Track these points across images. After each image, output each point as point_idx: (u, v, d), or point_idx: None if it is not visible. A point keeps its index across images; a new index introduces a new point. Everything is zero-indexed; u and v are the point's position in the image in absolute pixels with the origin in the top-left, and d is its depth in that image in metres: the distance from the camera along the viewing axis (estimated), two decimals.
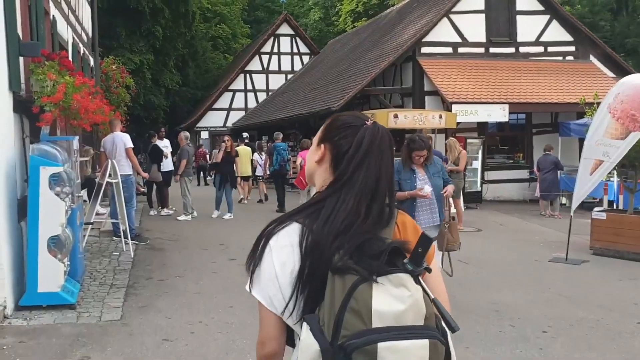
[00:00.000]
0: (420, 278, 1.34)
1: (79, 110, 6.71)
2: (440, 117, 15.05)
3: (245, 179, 16.58)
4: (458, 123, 15.83)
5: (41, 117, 6.26)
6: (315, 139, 1.60)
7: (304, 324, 1.32)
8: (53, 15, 9.41)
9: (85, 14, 15.12)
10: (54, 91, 6.28)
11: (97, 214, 9.92)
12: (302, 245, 1.39)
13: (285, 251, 1.41)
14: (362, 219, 1.41)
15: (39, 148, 5.90)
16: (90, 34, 15.73)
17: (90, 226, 9.00)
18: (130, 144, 9.92)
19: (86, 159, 7.07)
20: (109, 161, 9.07)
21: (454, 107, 16.23)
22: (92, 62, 15.52)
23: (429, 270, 1.39)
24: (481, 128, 17.81)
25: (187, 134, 13.94)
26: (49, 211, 5.76)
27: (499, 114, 16.81)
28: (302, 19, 45.14)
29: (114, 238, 9.71)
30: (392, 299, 1.26)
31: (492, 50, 18.66)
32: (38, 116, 6.34)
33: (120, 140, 9.86)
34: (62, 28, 10.62)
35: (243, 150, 15.94)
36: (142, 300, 6.41)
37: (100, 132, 12.59)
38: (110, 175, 9.06)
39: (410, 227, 1.55)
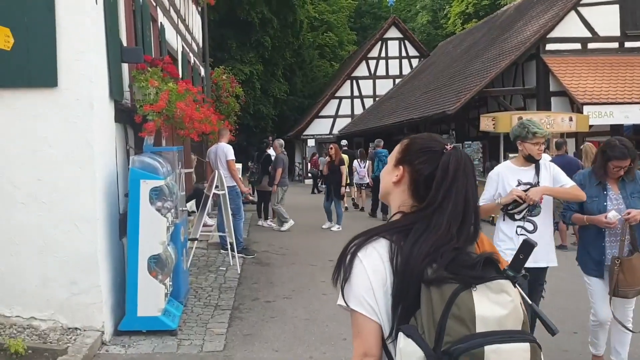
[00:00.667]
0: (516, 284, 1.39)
1: (183, 118, 6.26)
2: (571, 119, 13.50)
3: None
4: (590, 126, 14.16)
5: (144, 127, 5.86)
6: (392, 160, 1.64)
7: (401, 333, 1.36)
8: (161, 23, 9.21)
9: (196, 24, 15.14)
10: (157, 99, 5.86)
11: (204, 225, 9.62)
12: (393, 262, 1.43)
13: (376, 264, 1.45)
14: (453, 241, 1.43)
15: (140, 160, 5.48)
16: (200, 44, 15.77)
17: (196, 242, 8.63)
18: (231, 156, 9.47)
19: (190, 170, 6.56)
20: (215, 172, 8.67)
21: (586, 108, 14.60)
22: (202, 72, 15.53)
23: (525, 277, 1.41)
24: (615, 131, 15.91)
25: (282, 141, 13.38)
26: (150, 228, 5.31)
27: (638, 115, 14.91)
28: (410, 23, 44.05)
29: (221, 251, 9.32)
30: (493, 304, 1.32)
31: (628, 44, 16.70)
32: (141, 126, 5.94)
33: (222, 151, 9.47)
34: (171, 36, 10.46)
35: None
36: (247, 327, 5.80)
37: (210, 142, 12.37)
38: (217, 187, 8.67)
39: (486, 242, 1.62)
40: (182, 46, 11.98)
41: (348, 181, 14.75)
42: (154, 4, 8.86)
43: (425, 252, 1.40)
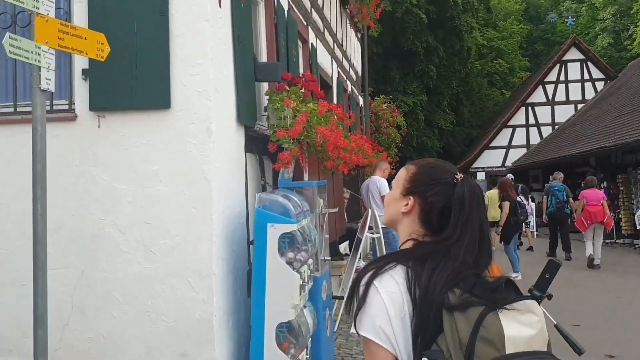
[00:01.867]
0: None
1: (325, 146, 5.05)
2: None
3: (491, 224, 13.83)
4: None
5: (278, 158, 4.73)
6: (399, 187, 1.62)
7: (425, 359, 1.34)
8: (312, 44, 8.24)
9: (355, 50, 14.22)
10: (293, 123, 4.71)
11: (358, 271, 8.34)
12: (411, 290, 1.41)
13: (393, 292, 1.42)
14: (471, 269, 1.43)
15: (269, 198, 4.32)
16: (359, 72, 14.81)
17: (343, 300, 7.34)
18: (386, 191, 8.05)
19: (334, 210, 5.30)
20: (369, 211, 7.36)
21: None
22: (361, 102, 14.52)
23: (550, 297, 1.47)
24: None
25: None
26: (278, 287, 4.09)
27: None
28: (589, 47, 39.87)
29: None
30: (521, 325, 1.33)
31: None
32: (276, 156, 4.83)
33: (375, 186, 8.10)
34: (325, 60, 9.49)
35: (492, 193, 14.19)
36: None
37: (367, 176, 11.12)
38: (370, 228, 7.34)
39: (494, 266, 1.59)
40: (338, 72, 11.01)
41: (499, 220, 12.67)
42: (304, 23, 7.92)
43: (444, 280, 1.39)
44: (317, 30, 8.88)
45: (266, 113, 5.02)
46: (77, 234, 4.18)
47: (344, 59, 12.08)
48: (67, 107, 4.28)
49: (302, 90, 5.40)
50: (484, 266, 1.49)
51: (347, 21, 12.35)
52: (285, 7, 6.56)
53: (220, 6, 4.32)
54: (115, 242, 4.14)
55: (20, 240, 4.08)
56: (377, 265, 1.47)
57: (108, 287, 4.14)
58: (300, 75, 5.46)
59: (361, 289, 1.45)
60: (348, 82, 12.46)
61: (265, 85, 5.73)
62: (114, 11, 4.10)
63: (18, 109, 4.34)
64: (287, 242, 4.24)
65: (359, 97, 14.40)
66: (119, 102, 4.09)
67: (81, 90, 4.17)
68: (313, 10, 8.65)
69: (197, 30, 4.08)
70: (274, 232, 4.14)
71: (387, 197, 1.68)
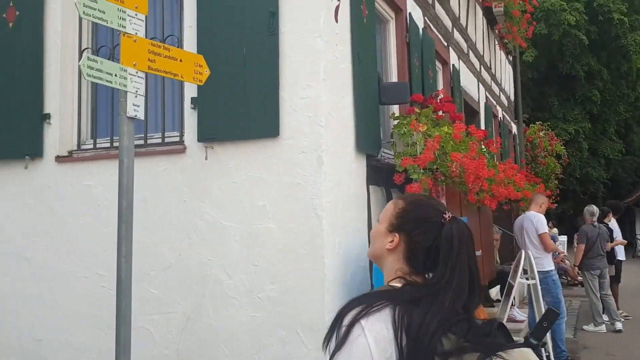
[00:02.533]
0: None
1: (464, 177, 4.30)
2: None
3: None
4: None
5: (406, 191, 4.08)
6: (386, 223, 1.56)
7: None
8: (453, 65, 7.52)
9: (506, 74, 13.14)
10: (423, 149, 4.05)
11: (512, 321, 7.30)
12: (398, 339, 1.34)
13: (380, 337, 1.35)
14: (460, 315, 1.39)
15: None
16: (511, 97, 13.66)
17: None
18: (544, 229, 6.92)
19: (477, 253, 4.48)
20: (522, 252, 6.35)
21: None
22: (514, 130, 13.33)
23: (544, 344, 1.58)
24: None
25: (594, 208, 9.74)
26: None
27: None
28: None
29: None
30: None
31: None
32: (404, 188, 4.19)
33: (530, 223, 6.99)
34: (470, 84, 8.69)
35: None
36: None
37: (521, 211, 9.94)
38: (525, 272, 6.34)
39: (479, 308, 1.61)
40: (486, 97, 10.09)
41: None
42: (444, 43, 7.25)
43: (436, 325, 1.34)
44: (459, 51, 8.15)
45: (392, 140, 4.41)
46: (184, 275, 3.85)
47: (492, 82, 11.13)
48: (177, 138, 4.02)
49: (440, 113, 4.73)
50: (474, 309, 1.45)
51: (496, 42, 11.41)
52: (420, 25, 5.96)
53: (336, 21, 3.84)
54: (221, 285, 3.75)
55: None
56: (365, 304, 1.39)
57: (214, 335, 3.74)
58: (434, 96, 4.80)
59: (343, 328, 1.37)
60: (498, 108, 11.44)
61: (395, 110, 5.15)
62: (223, 34, 3.79)
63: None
64: None
65: (512, 124, 13.23)
66: (227, 131, 3.74)
67: (190, 120, 3.90)
68: (454, 30, 7.95)
69: (309, 48, 3.62)
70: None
71: (373, 230, 1.63)
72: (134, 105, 2.82)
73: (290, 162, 3.59)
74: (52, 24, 4.35)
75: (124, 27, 2.79)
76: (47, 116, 4.30)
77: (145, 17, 2.93)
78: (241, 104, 3.68)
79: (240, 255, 3.71)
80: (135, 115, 2.83)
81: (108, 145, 4.24)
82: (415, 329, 1.33)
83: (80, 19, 4.38)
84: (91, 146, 4.33)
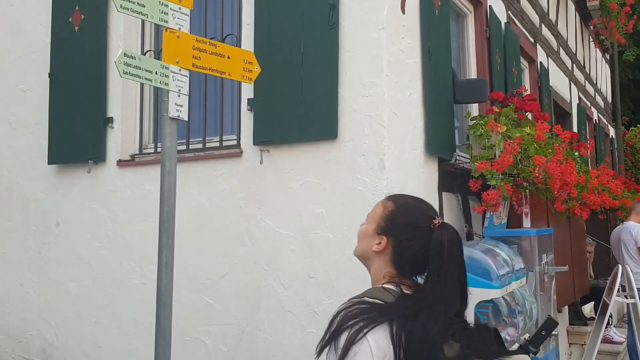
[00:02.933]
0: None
1: (549, 183, 3.83)
2: None
3: None
4: None
5: (482, 198, 3.68)
6: (374, 224, 1.55)
7: None
8: (541, 63, 6.94)
9: (603, 74, 12.18)
10: (501, 151, 3.64)
11: (607, 342, 6.64)
12: (397, 353, 1.34)
13: (381, 347, 1.33)
14: (454, 322, 1.40)
15: (466, 254, 3.27)
16: (609, 99, 12.65)
17: None
18: None
19: (563, 269, 4.00)
20: (619, 267, 5.69)
21: None
22: (611, 133, 12.33)
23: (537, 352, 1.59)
24: None
25: None
26: None
27: None
28: None
29: None
30: None
31: None
32: (481, 195, 3.79)
33: (629, 234, 6.27)
34: (560, 83, 8.03)
35: None
36: None
37: (619, 221, 9.07)
38: (622, 289, 5.69)
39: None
40: (579, 97, 9.33)
41: None
42: (531, 40, 6.70)
43: (436, 337, 1.34)
44: (548, 49, 7.53)
45: (468, 142, 4.01)
46: (239, 285, 3.65)
47: (587, 82, 10.30)
48: (235, 142, 3.84)
49: (522, 113, 4.28)
50: (463, 314, 1.46)
51: (590, 39, 10.56)
52: (503, 20, 5.49)
53: (403, 12, 3.51)
54: (277, 297, 3.51)
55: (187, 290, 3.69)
56: (365, 320, 1.34)
57: (268, 351, 3.51)
58: (515, 93, 4.34)
59: (343, 341, 1.33)
60: (593, 110, 10.59)
61: (473, 110, 4.73)
62: (280, 30, 3.56)
63: (191, 146, 4.03)
64: (490, 312, 3.16)
65: (609, 127, 12.24)
66: (283, 133, 3.51)
67: (247, 122, 3.70)
68: (543, 26, 7.36)
69: (372, 42, 3.32)
70: (471, 298, 3.09)
71: (361, 229, 1.62)
72: (176, 105, 2.64)
73: (350, 166, 3.30)
74: (116, 27, 4.30)
75: (166, 21, 2.62)
76: (110, 120, 4.25)
77: (190, 11, 2.74)
78: (298, 104, 3.43)
79: (297, 265, 3.45)
80: (178, 116, 2.65)
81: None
82: (416, 342, 1.33)
83: (143, 22, 4.31)
84: (152, 150, 4.24)
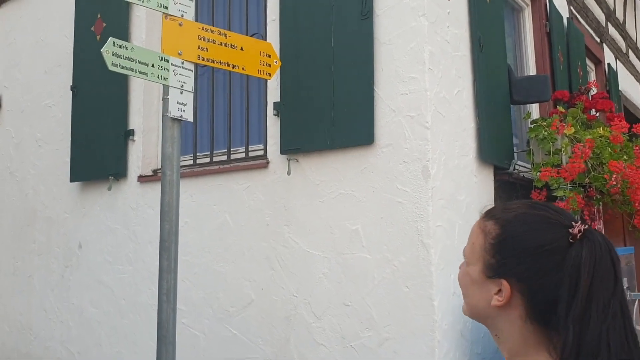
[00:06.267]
0: None
1: (628, 193, 3.24)
2: None
3: None
4: None
5: None
6: (480, 264, 0.98)
7: None
8: (609, 64, 6.28)
9: None
10: (569, 157, 3.09)
11: None
12: None
13: None
14: None
15: None
16: None
17: None
18: None
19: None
20: None
21: None
22: None
23: None
24: None
25: None
26: None
27: None
28: None
29: None
30: None
31: None
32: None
33: None
34: (630, 88, 7.31)
35: None
36: None
37: None
38: None
39: None
40: None
41: None
42: (597, 39, 6.08)
43: None
44: (616, 50, 6.86)
45: (529, 147, 3.47)
46: (267, 314, 3.21)
47: None
48: (262, 152, 3.44)
49: (592, 113, 3.71)
50: None
51: None
52: (565, 14, 4.93)
53: None
54: (308, 328, 3.05)
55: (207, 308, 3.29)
56: None
57: None
58: (583, 91, 3.76)
59: None
60: None
61: (533, 111, 4.18)
62: (308, 24, 3.16)
63: (214, 159, 3.66)
64: None
65: None
66: (313, 140, 3.08)
67: (273, 129, 3.29)
68: (609, 25, 6.71)
69: (411, 31, 2.87)
70: None
71: (461, 275, 1.03)
72: (178, 103, 2.26)
73: (389, 175, 2.83)
74: (137, 35, 4.01)
75: (166, 7, 2.25)
76: (131, 132, 3.94)
77: (212, 8, 2.37)
78: (329, 106, 3.00)
79: (330, 291, 2.99)
80: (181, 116, 2.27)
81: (191, 162, 3.77)
82: None
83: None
84: None
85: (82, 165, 4.16)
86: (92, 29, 4.16)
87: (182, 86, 2.27)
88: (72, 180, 4.21)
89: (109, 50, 2.04)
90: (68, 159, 4.27)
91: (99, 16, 4.15)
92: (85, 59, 4.20)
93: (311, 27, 3.14)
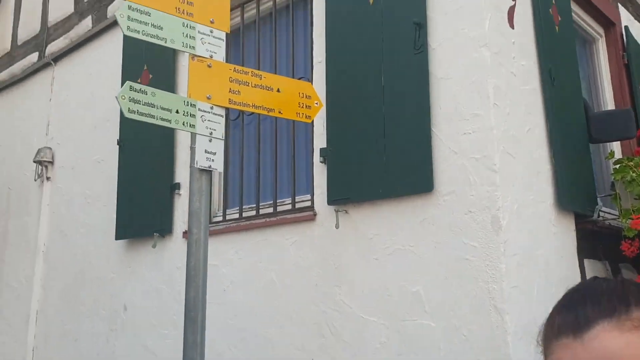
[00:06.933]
0: None
1: None
2: None
3: None
4: None
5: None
6: None
7: None
8: None
9: None
10: None
11: None
12: None
13: None
14: None
15: None
16: None
17: None
18: None
19: None
20: None
21: None
22: None
23: None
24: None
25: None
26: None
27: None
28: None
29: None
30: None
31: None
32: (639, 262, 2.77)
33: None
34: None
35: None
36: None
37: None
38: None
39: None
40: None
41: None
42: None
43: None
44: None
45: (614, 191, 3.01)
46: None
47: None
48: (309, 202, 3.14)
49: None
50: None
51: None
52: None
53: (512, 26, 2.71)
54: None
55: None
56: None
57: None
58: None
59: None
60: None
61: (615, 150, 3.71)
62: (355, 62, 2.89)
63: (261, 211, 3.39)
64: None
65: None
66: (364, 188, 2.75)
67: (320, 177, 3.00)
68: None
69: (471, 63, 2.54)
70: None
71: None
72: (207, 152, 2.00)
73: (453, 227, 2.46)
74: (184, 85, 3.87)
75: (193, 47, 2.03)
76: (177, 186, 3.75)
77: (227, 34, 2.15)
78: (380, 150, 2.69)
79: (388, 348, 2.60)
80: (210, 167, 2.01)
81: (237, 216, 3.52)
82: None
83: None
84: (221, 218, 3.65)
85: (127, 222, 4.00)
86: (139, 81, 4.06)
87: (211, 133, 2.02)
88: (117, 237, 4.04)
89: (125, 96, 1.82)
90: (115, 216, 4.12)
91: (145, 67, 4.06)
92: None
93: (359, 67, 2.87)
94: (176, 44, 1.99)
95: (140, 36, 1.90)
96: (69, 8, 5.19)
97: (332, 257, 2.86)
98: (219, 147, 2.03)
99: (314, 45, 3.20)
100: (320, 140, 3.00)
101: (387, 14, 2.80)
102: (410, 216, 2.59)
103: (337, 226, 2.79)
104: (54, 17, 5.34)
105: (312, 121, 3.05)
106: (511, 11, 2.74)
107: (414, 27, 2.69)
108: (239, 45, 3.70)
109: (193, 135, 2.00)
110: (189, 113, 1.97)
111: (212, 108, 2.03)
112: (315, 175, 3.02)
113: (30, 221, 4.98)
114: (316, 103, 2.25)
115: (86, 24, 4.95)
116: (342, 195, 2.81)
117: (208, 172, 2.01)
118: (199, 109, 2.00)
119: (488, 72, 2.50)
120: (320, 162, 2.96)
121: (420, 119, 2.59)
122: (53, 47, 5.26)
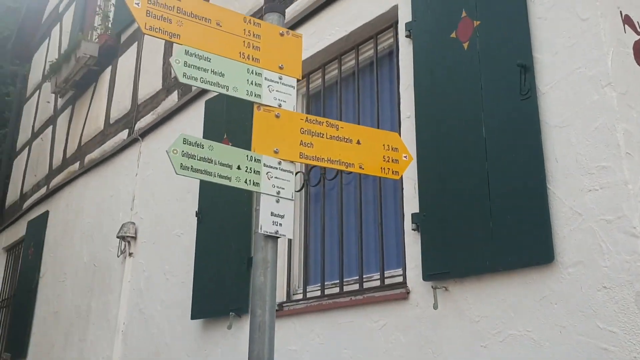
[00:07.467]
0: None
1: None
2: None
3: None
4: None
5: None
6: None
7: None
8: None
9: None
10: None
11: None
12: None
13: None
14: None
15: None
16: None
17: None
18: None
19: None
20: None
21: None
22: None
23: None
24: None
25: None
26: None
27: None
28: None
29: None
30: None
31: None
32: None
33: None
34: None
35: None
36: None
37: None
38: None
39: None
40: None
41: None
42: None
43: None
44: None
45: None
46: None
47: None
48: (400, 278, 2.72)
49: None
50: None
51: None
52: None
53: (639, 63, 2.26)
54: None
55: None
56: None
57: None
58: None
59: None
60: None
61: None
62: (449, 114, 2.52)
63: (345, 288, 2.99)
64: None
65: None
66: (467, 260, 2.30)
67: (413, 248, 2.58)
68: None
69: (592, 107, 2.10)
70: None
71: None
72: (273, 215, 1.67)
73: (583, 307, 1.94)
74: None
75: (259, 95, 1.75)
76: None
77: (297, 81, 1.86)
78: (485, 213, 2.25)
79: None
80: (276, 232, 1.67)
81: (319, 293, 3.14)
82: None
83: None
84: (301, 296, 3.28)
85: (203, 300, 3.72)
86: None
87: (278, 192, 1.69)
88: (193, 317, 3.76)
89: (177, 150, 1.55)
90: (191, 293, 3.86)
91: (225, 136, 3.90)
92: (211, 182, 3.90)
93: (455, 118, 2.49)
94: (239, 92, 1.72)
95: (198, 83, 1.65)
96: (158, 84, 5.23)
97: (429, 344, 2.39)
98: (287, 209, 1.70)
99: (401, 100, 2.87)
100: (411, 204, 2.61)
101: (485, 57, 2.44)
102: (527, 293, 2.10)
103: (435, 306, 2.34)
104: (143, 94, 5.41)
105: (402, 183, 2.69)
106: (637, 46, 2.30)
107: (518, 70, 2.30)
108: (320, 107, 3.46)
109: (257, 196, 1.69)
110: (252, 169, 1.67)
111: (280, 163, 1.72)
112: (407, 245, 2.61)
113: (112, 299, 4.84)
114: (405, 156, 1.89)
115: (172, 98, 4.94)
116: (441, 269, 2.37)
117: (274, 238, 1.67)
118: (264, 165, 1.69)
119: (615, 115, 2.05)
120: (413, 229, 2.55)
121: (533, 175, 2.15)
122: (142, 124, 5.29)
